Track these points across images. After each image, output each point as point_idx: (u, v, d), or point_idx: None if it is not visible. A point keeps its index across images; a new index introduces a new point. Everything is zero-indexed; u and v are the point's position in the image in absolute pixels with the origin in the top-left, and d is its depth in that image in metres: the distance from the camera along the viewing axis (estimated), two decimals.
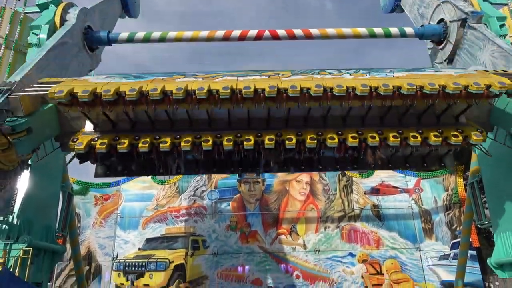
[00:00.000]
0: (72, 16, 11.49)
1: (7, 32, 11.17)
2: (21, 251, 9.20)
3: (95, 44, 12.48)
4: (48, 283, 15.27)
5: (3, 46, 11.10)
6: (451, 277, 17.03)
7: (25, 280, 8.87)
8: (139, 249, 19.30)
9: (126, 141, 8.21)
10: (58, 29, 11.33)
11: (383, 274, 18.20)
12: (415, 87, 7.59)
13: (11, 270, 8.53)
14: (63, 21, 11.50)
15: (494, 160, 10.38)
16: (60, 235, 13.24)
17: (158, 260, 18.56)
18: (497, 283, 9.79)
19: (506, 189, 10.56)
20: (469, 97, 7.78)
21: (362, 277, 18.18)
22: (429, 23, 12.69)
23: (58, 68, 10.76)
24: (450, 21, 11.89)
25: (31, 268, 9.31)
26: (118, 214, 19.92)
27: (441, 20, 12.19)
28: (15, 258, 9.05)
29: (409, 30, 12.28)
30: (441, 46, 12.51)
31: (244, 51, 66.18)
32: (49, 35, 11.20)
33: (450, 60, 12.44)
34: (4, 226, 9.60)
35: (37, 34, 11.17)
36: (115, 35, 12.32)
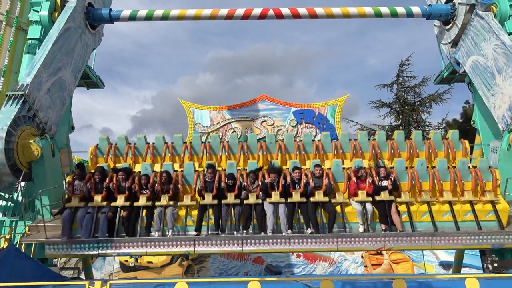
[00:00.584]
0: None
1: (8, 9, 11.03)
2: (27, 227, 9.34)
3: (97, 22, 12.31)
4: (54, 260, 15.57)
5: (3, 23, 10.99)
6: (449, 258, 17.21)
7: (31, 256, 9.04)
8: None
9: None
10: (59, 5, 11.16)
11: (382, 254, 18.43)
12: None
13: (17, 246, 8.68)
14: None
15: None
16: None
17: None
18: (495, 265, 9.87)
19: (508, 173, 10.54)
20: None
21: (362, 257, 18.43)
22: (438, 0, 12.43)
23: (65, 57, 10.90)
24: (459, 3, 11.63)
25: (36, 244, 9.47)
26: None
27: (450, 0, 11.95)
28: (21, 234, 9.20)
29: (416, 9, 12.04)
30: (447, 27, 12.29)
31: (248, 30, 65.25)
32: (50, 12, 11.05)
33: (455, 43, 12.28)
34: (9, 203, 9.74)
35: (37, 11, 11.04)
36: (117, 13, 12.13)
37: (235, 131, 17.98)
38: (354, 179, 8.64)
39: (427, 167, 9.17)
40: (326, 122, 17.94)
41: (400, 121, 27.06)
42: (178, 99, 18.57)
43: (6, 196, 9.51)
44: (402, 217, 8.45)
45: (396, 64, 30.41)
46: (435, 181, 8.91)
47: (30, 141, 8.86)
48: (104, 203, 8.49)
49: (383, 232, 8.27)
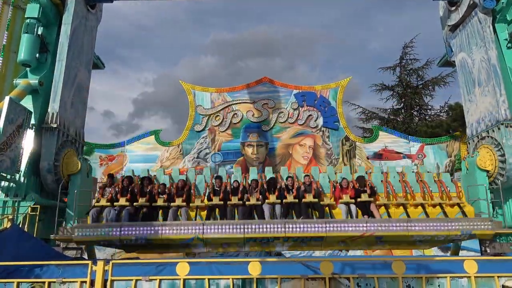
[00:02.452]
0: None
1: None
2: (29, 208, 9.42)
3: (96, 1, 12.13)
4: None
5: (1, 1, 10.82)
6: None
7: (34, 236, 9.13)
8: None
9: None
10: None
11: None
12: None
13: (20, 226, 8.77)
14: None
15: None
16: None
17: None
18: (493, 247, 10.00)
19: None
20: None
21: None
22: None
23: (78, 60, 11.46)
24: None
25: (39, 224, 9.57)
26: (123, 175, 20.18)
27: None
28: (24, 215, 9.28)
29: None
30: (453, 9, 12.09)
31: (249, 11, 64.25)
32: None
33: (454, 27, 12.28)
34: (11, 184, 9.78)
35: None
36: None
37: (236, 114, 17.89)
38: (338, 186, 9.88)
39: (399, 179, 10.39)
40: (328, 105, 17.82)
41: (402, 104, 26.89)
42: (179, 81, 18.42)
43: (9, 177, 9.55)
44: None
45: (399, 47, 30.03)
46: (407, 188, 10.10)
47: (74, 158, 10.84)
48: (128, 203, 9.52)
49: (364, 217, 9.23)
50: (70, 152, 11.15)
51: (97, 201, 9.82)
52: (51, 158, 10.33)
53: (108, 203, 9.61)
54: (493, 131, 10.61)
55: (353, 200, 9.52)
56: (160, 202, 9.64)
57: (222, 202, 9.57)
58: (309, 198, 9.40)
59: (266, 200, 9.54)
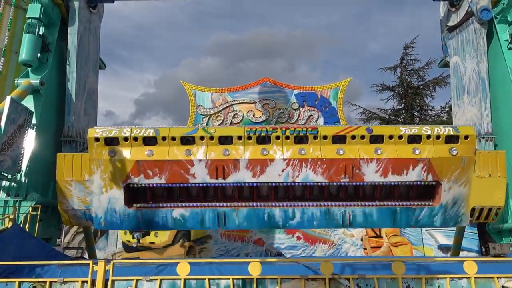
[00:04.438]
0: None
1: None
2: (30, 208, 9.43)
3: (98, 2, 12.16)
4: (57, 240, 15.78)
5: (3, 1, 10.84)
6: (448, 241, 17.37)
7: (35, 235, 9.15)
8: None
9: None
10: None
11: (382, 237, 18.62)
12: None
13: (21, 226, 8.79)
14: None
15: None
16: None
17: None
18: (493, 248, 10.03)
19: (508, 157, 10.63)
20: None
21: (362, 240, 18.63)
22: None
23: (85, 66, 11.59)
24: None
25: (40, 224, 9.59)
26: None
27: None
28: (25, 215, 9.30)
29: None
30: (453, 10, 12.12)
31: (249, 12, 64.23)
32: None
33: (452, 28, 12.34)
34: (12, 184, 9.80)
35: None
36: None
37: (236, 114, 17.91)
38: None
39: None
40: (329, 105, 17.82)
41: (403, 104, 26.87)
42: (180, 81, 18.42)
43: (10, 176, 9.56)
44: None
45: (399, 48, 29.90)
46: None
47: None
48: None
49: None
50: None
51: None
52: None
53: None
54: None
55: None
56: None
57: None
58: None
59: None
